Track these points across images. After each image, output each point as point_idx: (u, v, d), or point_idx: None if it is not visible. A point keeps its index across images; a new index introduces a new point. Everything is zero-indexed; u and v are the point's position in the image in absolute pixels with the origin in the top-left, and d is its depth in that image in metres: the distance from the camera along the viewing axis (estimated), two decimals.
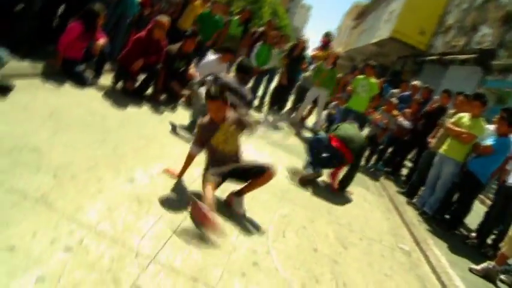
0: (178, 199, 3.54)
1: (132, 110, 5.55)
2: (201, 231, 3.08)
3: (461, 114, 6.19)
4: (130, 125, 4.90)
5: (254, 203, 4.14)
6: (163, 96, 6.61)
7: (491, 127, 6.26)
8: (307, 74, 9.65)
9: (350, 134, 5.87)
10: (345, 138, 5.75)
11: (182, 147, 4.85)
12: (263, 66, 9.06)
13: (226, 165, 3.72)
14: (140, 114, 5.58)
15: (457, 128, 6.02)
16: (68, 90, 5.23)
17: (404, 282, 3.98)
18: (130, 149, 4.16)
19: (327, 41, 10.62)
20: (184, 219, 3.23)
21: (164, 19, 6.28)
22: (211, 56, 7.17)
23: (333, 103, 10.29)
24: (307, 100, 9.42)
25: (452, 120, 6.24)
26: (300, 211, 4.51)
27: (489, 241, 5.85)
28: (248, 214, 3.84)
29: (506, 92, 11.24)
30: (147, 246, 2.69)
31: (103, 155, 3.74)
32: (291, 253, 3.50)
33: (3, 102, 4.04)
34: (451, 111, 6.95)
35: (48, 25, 6.12)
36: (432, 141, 6.83)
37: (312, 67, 9.72)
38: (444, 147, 6.20)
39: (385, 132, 8.38)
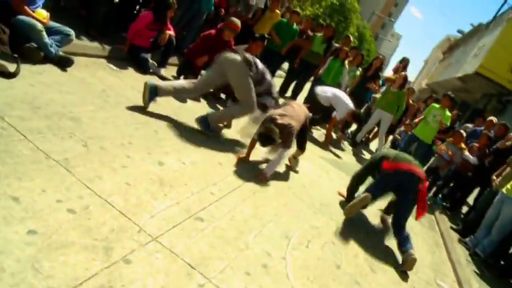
0: (201, 191, 3.49)
1: (188, 103, 5.61)
2: None
3: None
4: (180, 115, 4.93)
5: (285, 209, 4.01)
6: (223, 95, 6.67)
7: None
8: (377, 95, 9.34)
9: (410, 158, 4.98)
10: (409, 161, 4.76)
11: (229, 144, 4.84)
12: (333, 82, 8.86)
13: None
14: (195, 107, 5.62)
15: None
16: (127, 74, 5.41)
17: None
18: (170, 136, 4.18)
19: (403, 65, 10.25)
20: (201, 210, 3.17)
21: (236, 22, 6.31)
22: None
23: (401, 128, 9.90)
24: (370, 122, 9.09)
25: None
26: (333, 226, 4.30)
27: None
28: (275, 217, 3.72)
29: None
30: (154, 226, 2.65)
31: (140, 136, 3.79)
32: (309, 264, 3.31)
33: (62, 74, 4.24)
34: None
35: (125, 13, 6.42)
36: (496, 179, 6.32)
37: (382, 89, 9.42)
38: (508, 186, 5.71)
39: (448, 165, 7.90)
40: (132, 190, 2.89)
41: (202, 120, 4.70)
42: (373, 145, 10.04)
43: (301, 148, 5.38)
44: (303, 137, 5.29)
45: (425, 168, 8.07)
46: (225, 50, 6.36)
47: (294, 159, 5.41)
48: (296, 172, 5.26)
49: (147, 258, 2.35)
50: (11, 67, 3.66)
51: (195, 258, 2.58)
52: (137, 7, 6.82)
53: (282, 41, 8.95)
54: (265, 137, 4.26)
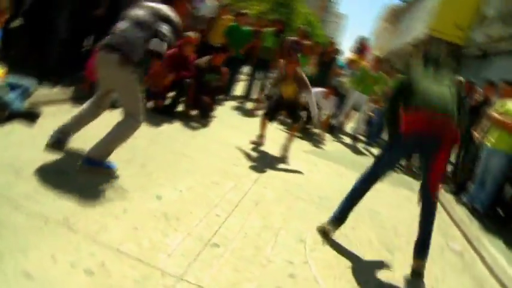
0: (207, 215, 3.40)
1: (162, 128, 5.51)
2: None
3: (504, 101, 5.81)
4: (159, 142, 4.84)
5: (290, 212, 3.97)
6: (195, 112, 6.58)
7: None
8: (341, 79, 9.37)
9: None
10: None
11: (215, 161, 4.76)
12: None
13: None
14: (171, 130, 5.52)
15: (503, 119, 5.64)
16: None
17: (459, 285, 3.67)
18: (159, 166, 4.08)
19: (361, 45, 10.35)
20: (213, 235, 3.08)
21: (193, 35, 6.27)
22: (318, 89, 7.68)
23: (371, 105, 9.98)
24: (347, 105, 9.09)
25: (497, 108, 5.85)
26: None
27: None
28: (284, 223, 3.67)
29: None
30: (174, 265, 2.56)
31: (129, 175, 3.67)
32: (331, 263, 3.27)
33: (32, 128, 4.06)
34: (497, 101, 6.53)
35: (77, 52, 6.24)
36: (477, 134, 6.43)
37: (347, 72, 9.46)
38: (492, 139, 5.82)
39: None
40: (141, 233, 2.78)
41: (88, 162, 3.52)
42: (348, 128, 10.10)
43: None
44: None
45: None
46: (187, 66, 6.33)
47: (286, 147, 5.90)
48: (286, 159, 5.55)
49: None
50: None
51: (225, 287, 2.50)
52: (88, 42, 6.64)
53: (237, 45, 8.87)
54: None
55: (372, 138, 9.17)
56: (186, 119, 6.22)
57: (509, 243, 4.92)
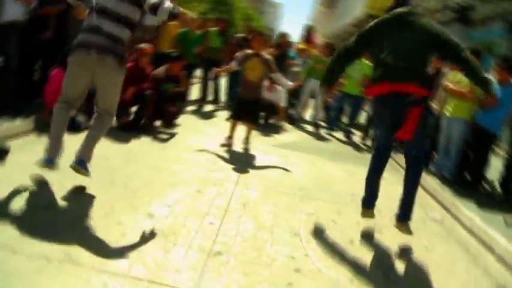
0: (201, 225, 3.43)
1: (131, 144, 5.45)
2: None
3: (456, 72, 6.09)
4: (133, 159, 4.80)
5: (277, 208, 4.05)
6: (158, 122, 6.55)
7: (491, 78, 6.15)
8: (296, 69, 9.51)
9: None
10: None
11: (193, 170, 4.76)
12: None
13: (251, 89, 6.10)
14: (141, 146, 5.47)
15: (458, 88, 5.93)
16: (65, 139, 5.11)
17: (447, 252, 3.88)
18: (141, 184, 4.05)
19: (308, 33, 10.52)
20: (213, 244, 3.12)
21: (146, 46, 6.24)
22: None
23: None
24: (305, 94, 9.25)
25: (451, 79, 6.15)
26: (324, 206, 4.40)
27: None
28: (275, 220, 3.75)
29: (492, 41, 11.18)
30: (186, 280, 2.58)
31: (115, 197, 3.64)
32: (329, 250, 3.38)
33: (4, 166, 3.93)
34: (448, 72, 6.84)
35: (29, 80, 6.06)
36: (434, 105, 6.72)
37: (299, 62, 9.59)
38: (448, 108, 6.11)
39: None
40: (144, 254, 2.78)
41: (80, 163, 3.73)
42: (308, 116, 10.29)
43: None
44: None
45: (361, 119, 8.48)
46: (145, 78, 6.26)
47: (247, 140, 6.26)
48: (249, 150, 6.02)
49: None
50: None
51: None
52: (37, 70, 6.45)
53: (190, 50, 8.84)
54: None
55: (332, 123, 9.35)
56: (151, 131, 6.18)
57: (481, 204, 5.21)
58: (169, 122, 6.65)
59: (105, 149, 4.98)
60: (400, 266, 3.38)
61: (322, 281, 2.89)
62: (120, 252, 2.76)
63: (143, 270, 2.59)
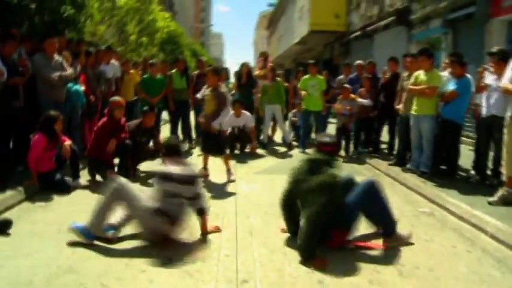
0: (219, 257, 3.58)
1: None
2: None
3: (416, 73, 6.53)
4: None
5: (281, 231, 4.21)
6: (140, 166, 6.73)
7: (446, 73, 6.63)
8: (259, 95, 9.83)
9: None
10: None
11: None
12: None
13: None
14: None
15: (418, 87, 6.35)
16: (58, 202, 5.17)
17: (446, 240, 4.16)
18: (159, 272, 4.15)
19: (263, 58, 10.91)
20: (236, 273, 3.28)
21: (118, 99, 6.39)
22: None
23: (292, 111, 10.56)
24: (266, 120, 9.58)
25: (411, 81, 6.57)
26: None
27: (488, 172, 6.13)
28: (283, 241, 3.93)
29: (434, 38, 11.90)
30: None
31: (134, 247, 3.74)
32: (341, 258, 3.58)
33: (11, 240, 3.95)
34: (404, 74, 7.30)
35: (6, 149, 6.05)
36: (400, 107, 7.14)
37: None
38: (414, 107, 6.51)
39: (351, 117, 8.67)
40: None
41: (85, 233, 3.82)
42: (277, 137, 10.58)
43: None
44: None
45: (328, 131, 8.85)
46: (121, 130, 6.34)
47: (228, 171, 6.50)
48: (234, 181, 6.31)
49: None
50: None
51: None
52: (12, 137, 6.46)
53: (154, 95, 9.01)
54: None
55: (302, 142, 9.56)
56: (138, 177, 6.30)
57: (462, 191, 5.56)
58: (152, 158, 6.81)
59: None
60: (408, 261, 3.61)
61: (346, 286, 3.09)
62: None
63: None
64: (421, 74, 6.44)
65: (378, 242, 3.95)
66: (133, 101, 9.45)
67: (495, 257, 3.79)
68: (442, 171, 6.49)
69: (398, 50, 12.88)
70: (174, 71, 9.37)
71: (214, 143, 6.56)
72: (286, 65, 34.48)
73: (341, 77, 10.77)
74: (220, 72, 7.27)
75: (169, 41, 21.61)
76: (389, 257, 3.69)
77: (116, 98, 6.50)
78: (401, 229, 4.30)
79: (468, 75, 6.24)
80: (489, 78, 5.85)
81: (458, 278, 3.35)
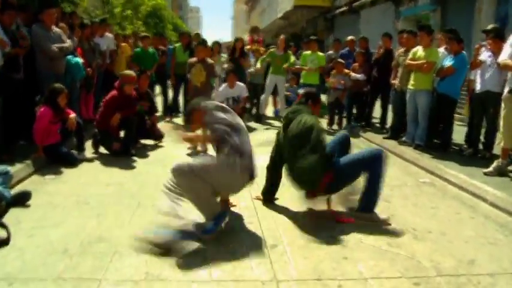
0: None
1: (134, 166, 5.70)
2: None
3: (415, 49, 6.72)
4: (147, 181, 4.97)
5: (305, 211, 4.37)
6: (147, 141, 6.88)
7: (442, 49, 6.83)
8: (252, 69, 9.89)
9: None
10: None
11: None
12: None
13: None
14: (144, 166, 5.71)
15: (416, 62, 6.54)
16: (68, 174, 5.22)
17: (449, 207, 4.41)
18: None
19: (256, 34, 11.03)
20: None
21: (129, 73, 6.42)
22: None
23: (285, 85, 10.68)
24: (267, 91, 9.66)
25: (410, 56, 6.75)
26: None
27: (480, 145, 6.41)
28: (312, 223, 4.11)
29: (422, 15, 12.08)
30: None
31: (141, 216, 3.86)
32: (360, 228, 3.78)
33: (33, 211, 4.01)
34: (401, 50, 7.46)
35: (10, 122, 6.02)
36: (396, 82, 7.33)
37: (253, 61, 10.00)
38: (411, 82, 6.70)
39: (345, 92, 8.84)
40: None
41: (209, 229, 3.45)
42: (269, 111, 10.70)
43: None
44: None
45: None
46: (131, 104, 6.34)
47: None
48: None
49: None
50: None
51: None
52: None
53: (147, 67, 9.00)
54: None
55: None
56: (142, 151, 6.38)
57: (458, 163, 5.82)
58: (159, 139, 6.90)
59: (111, 178, 5.13)
60: (420, 226, 3.83)
61: (368, 250, 3.30)
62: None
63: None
64: (419, 50, 6.62)
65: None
66: None
67: (497, 222, 4.05)
68: (435, 144, 6.75)
69: (385, 27, 13.08)
70: (178, 44, 9.42)
71: None
72: (267, 40, 34.31)
73: (330, 52, 10.87)
74: (207, 45, 7.42)
75: (153, 15, 21.27)
76: (401, 223, 3.89)
77: (127, 72, 6.43)
78: (406, 198, 4.58)
79: (464, 52, 6.45)
80: (484, 55, 6.08)
81: (467, 241, 3.58)
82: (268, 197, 4.36)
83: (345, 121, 9.05)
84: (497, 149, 6.01)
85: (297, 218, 3.91)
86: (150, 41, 9.53)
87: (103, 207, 4.07)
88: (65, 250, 3.17)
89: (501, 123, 5.34)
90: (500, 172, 5.30)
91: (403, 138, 7.06)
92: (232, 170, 3.40)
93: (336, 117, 9.17)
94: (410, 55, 6.73)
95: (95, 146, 6.33)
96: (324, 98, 9.98)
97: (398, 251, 3.32)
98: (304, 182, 3.84)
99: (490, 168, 5.35)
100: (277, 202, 4.34)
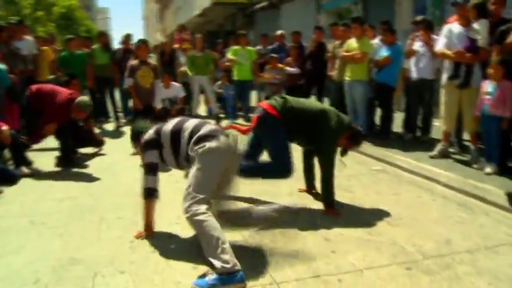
0: None
1: (82, 178, 5.27)
2: None
3: (349, 41, 6.91)
4: (101, 193, 4.66)
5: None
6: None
7: (376, 40, 7.09)
8: (183, 68, 9.67)
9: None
10: None
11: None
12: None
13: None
14: (93, 176, 5.33)
15: (349, 53, 6.73)
16: (12, 193, 4.74)
17: (409, 192, 4.60)
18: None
19: (179, 31, 10.80)
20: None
21: (85, 107, 5.74)
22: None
23: (217, 83, 10.53)
24: (195, 92, 9.46)
25: (344, 48, 6.94)
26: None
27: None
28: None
29: (344, 8, 12.49)
30: None
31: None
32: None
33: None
34: (336, 42, 7.63)
35: None
36: (333, 74, 7.51)
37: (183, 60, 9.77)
38: (348, 74, 6.90)
39: (280, 86, 8.95)
40: None
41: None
42: (201, 110, 10.54)
43: None
44: None
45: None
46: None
47: None
48: None
49: None
50: None
51: None
52: None
53: (75, 71, 8.45)
54: None
55: (230, 115, 9.63)
56: (86, 159, 6.03)
57: (402, 149, 6.10)
58: (99, 146, 6.53)
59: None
60: (390, 213, 3.94)
61: (352, 242, 3.34)
62: None
63: None
64: (353, 42, 6.82)
65: None
66: (50, 81, 8.79)
67: (456, 202, 4.29)
68: (376, 132, 7.02)
69: (307, 21, 13.42)
70: (96, 46, 8.87)
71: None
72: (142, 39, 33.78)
73: (259, 47, 10.89)
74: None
75: (65, 16, 20.09)
76: (372, 212, 3.97)
77: (83, 101, 5.72)
78: (366, 187, 4.74)
79: (399, 42, 6.75)
80: (417, 45, 6.42)
81: (437, 222, 3.75)
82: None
83: None
84: (434, 133, 6.41)
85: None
86: (77, 43, 8.94)
87: (63, 225, 3.71)
88: (36, 280, 2.82)
89: (442, 108, 5.65)
90: (444, 154, 5.62)
91: None
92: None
93: None
94: (345, 47, 6.92)
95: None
96: (254, 94, 10.15)
97: (380, 239, 3.39)
98: None
99: (435, 152, 5.65)
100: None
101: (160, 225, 3.57)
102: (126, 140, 7.69)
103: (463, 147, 5.94)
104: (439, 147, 5.68)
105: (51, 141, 6.20)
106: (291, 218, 3.65)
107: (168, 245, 3.28)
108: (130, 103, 9.17)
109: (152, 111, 6.64)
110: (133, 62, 6.95)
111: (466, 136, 5.99)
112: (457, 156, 5.69)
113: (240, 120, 9.31)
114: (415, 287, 2.68)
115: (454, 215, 3.92)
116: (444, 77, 5.57)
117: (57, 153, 5.84)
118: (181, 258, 3.07)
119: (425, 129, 6.63)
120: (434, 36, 6.18)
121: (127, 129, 8.48)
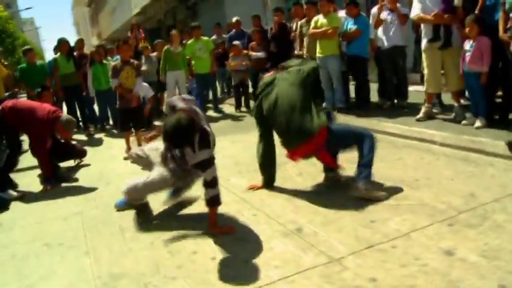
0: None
1: (79, 192, 4.99)
2: None
3: (315, 18, 6.94)
4: (107, 204, 4.45)
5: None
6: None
7: (342, 13, 7.13)
8: (144, 67, 9.39)
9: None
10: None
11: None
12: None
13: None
14: (89, 188, 5.05)
15: (320, 30, 6.77)
16: (7, 218, 4.45)
17: (411, 155, 4.73)
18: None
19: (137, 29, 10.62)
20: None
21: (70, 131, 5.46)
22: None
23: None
24: (169, 87, 9.19)
25: (312, 25, 6.97)
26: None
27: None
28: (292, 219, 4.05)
29: None
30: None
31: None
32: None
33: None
34: (302, 21, 7.63)
35: None
36: (302, 52, 7.53)
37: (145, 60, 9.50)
38: (318, 50, 6.95)
39: (247, 72, 8.91)
40: None
41: None
42: None
43: None
44: None
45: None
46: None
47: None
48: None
49: None
50: None
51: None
52: None
53: (36, 83, 8.02)
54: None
55: (200, 106, 9.49)
56: (72, 173, 5.77)
57: (387, 116, 6.24)
58: (82, 157, 6.25)
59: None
60: (404, 177, 4.03)
61: (385, 209, 3.38)
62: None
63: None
64: (320, 18, 6.86)
65: None
66: (6, 98, 8.30)
67: (458, 158, 4.44)
68: (355, 104, 7.14)
69: (254, 5, 13.40)
70: (57, 55, 8.44)
71: (137, 117, 6.40)
72: (124, 38, 32.93)
73: (214, 37, 10.78)
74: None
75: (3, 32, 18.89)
76: (387, 178, 4.00)
77: (69, 120, 5.26)
78: None
79: (363, 14, 6.86)
80: (383, 14, 6.55)
81: (452, 178, 3.88)
82: (270, 181, 4.21)
83: (252, 102, 9.08)
84: (411, 97, 6.62)
85: (294, 199, 3.85)
86: (34, 54, 8.48)
87: (83, 243, 3.51)
88: None
89: (425, 71, 5.80)
90: (430, 116, 5.80)
91: (324, 105, 7.31)
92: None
93: (243, 98, 9.21)
94: (312, 24, 6.95)
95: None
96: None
97: (408, 202, 3.47)
98: (301, 131, 3.68)
99: (421, 114, 5.82)
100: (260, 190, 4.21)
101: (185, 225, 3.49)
102: (103, 147, 7.55)
103: (443, 107, 6.15)
104: (424, 109, 5.84)
105: (28, 160, 5.92)
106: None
107: (206, 246, 3.19)
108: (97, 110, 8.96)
109: (139, 112, 6.40)
110: (115, 62, 6.66)
111: (443, 96, 6.22)
112: (441, 116, 5.88)
113: (210, 112, 9.24)
114: (466, 241, 2.74)
115: (463, 170, 4.05)
116: (424, 41, 5.70)
117: (38, 171, 5.55)
118: (227, 254, 3.02)
119: (403, 95, 6.79)
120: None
121: (99, 137, 8.25)
